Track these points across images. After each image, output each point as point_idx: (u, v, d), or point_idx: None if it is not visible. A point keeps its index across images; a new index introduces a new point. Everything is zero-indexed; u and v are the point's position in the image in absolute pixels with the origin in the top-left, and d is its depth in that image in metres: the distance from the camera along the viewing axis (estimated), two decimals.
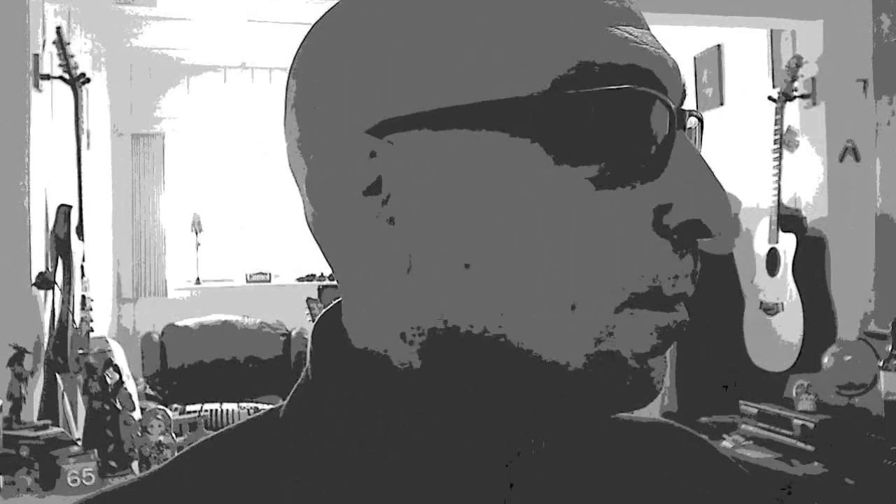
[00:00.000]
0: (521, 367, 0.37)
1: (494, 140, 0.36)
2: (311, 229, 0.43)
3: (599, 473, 0.45)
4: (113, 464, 2.17)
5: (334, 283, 0.92)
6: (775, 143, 3.03)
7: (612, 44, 0.37)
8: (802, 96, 3.05)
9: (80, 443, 2.22)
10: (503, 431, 0.40)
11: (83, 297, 2.89)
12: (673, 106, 0.38)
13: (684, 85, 0.41)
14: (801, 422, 2.46)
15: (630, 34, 0.39)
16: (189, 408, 3.88)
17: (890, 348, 2.34)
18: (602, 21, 0.38)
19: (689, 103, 4.07)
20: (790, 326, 2.95)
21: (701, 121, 0.43)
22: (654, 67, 0.38)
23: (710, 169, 0.37)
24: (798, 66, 3.00)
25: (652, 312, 0.37)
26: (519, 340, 0.37)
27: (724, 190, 0.37)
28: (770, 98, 3.07)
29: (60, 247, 2.79)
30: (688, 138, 0.39)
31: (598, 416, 0.48)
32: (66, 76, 2.80)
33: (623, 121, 0.37)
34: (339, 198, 0.39)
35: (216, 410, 4.28)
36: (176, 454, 0.45)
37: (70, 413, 2.59)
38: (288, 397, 0.45)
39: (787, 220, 3.03)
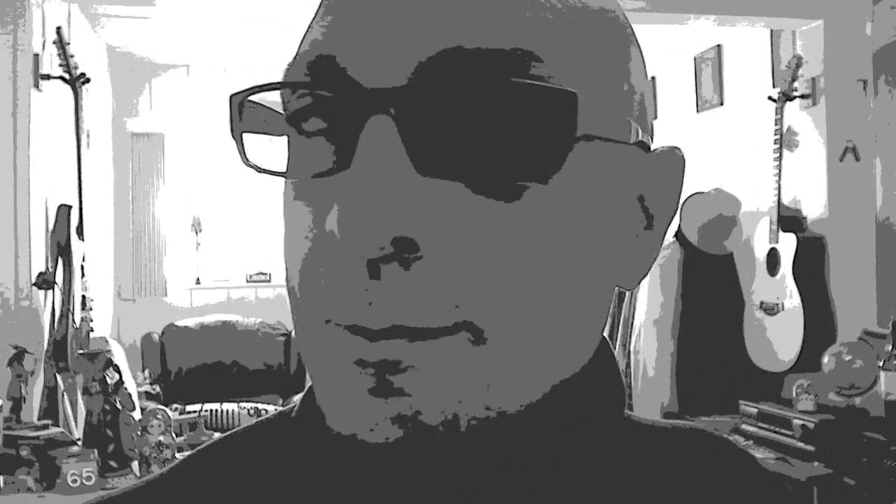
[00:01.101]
0: None
1: None
2: None
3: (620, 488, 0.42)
4: (113, 464, 2.17)
5: None
6: (775, 143, 3.03)
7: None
8: (802, 96, 3.05)
9: (80, 443, 2.22)
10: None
11: (83, 297, 2.89)
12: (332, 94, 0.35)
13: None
14: (801, 422, 2.46)
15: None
16: (189, 408, 3.88)
17: (890, 348, 2.34)
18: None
19: (689, 103, 4.07)
20: (790, 326, 2.95)
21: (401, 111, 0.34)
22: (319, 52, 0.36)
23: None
24: (798, 66, 3.00)
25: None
26: None
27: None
28: (770, 98, 3.07)
29: (60, 247, 2.79)
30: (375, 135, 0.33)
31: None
32: (66, 76, 2.80)
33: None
34: None
35: (216, 410, 4.28)
36: (176, 454, 0.44)
37: (70, 413, 2.59)
38: (301, 397, 0.44)
39: (787, 220, 3.03)
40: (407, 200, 0.32)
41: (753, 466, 0.48)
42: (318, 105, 0.36)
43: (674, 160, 0.41)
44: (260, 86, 0.37)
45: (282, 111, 0.38)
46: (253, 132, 0.39)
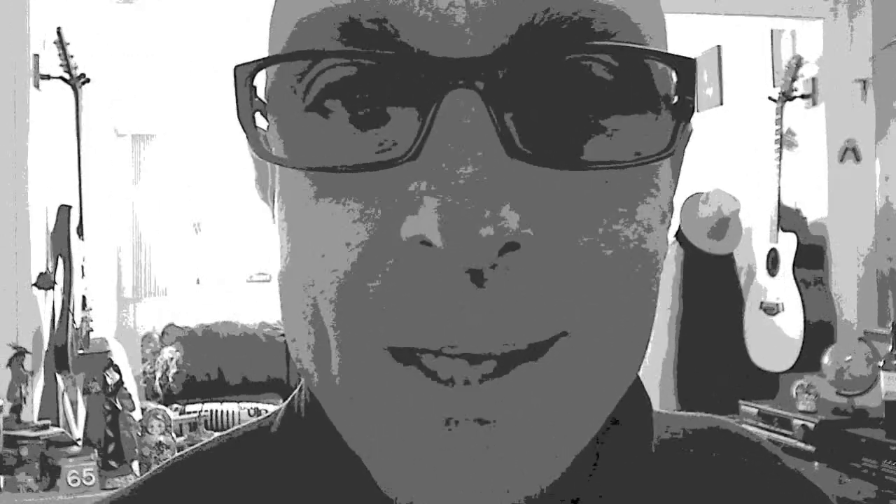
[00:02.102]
0: None
1: None
2: None
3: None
4: (113, 464, 2.17)
5: None
6: (775, 143, 3.03)
7: None
8: (802, 96, 3.05)
9: (80, 443, 2.22)
10: None
11: (83, 297, 2.89)
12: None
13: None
14: (801, 422, 2.46)
15: None
16: (189, 408, 3.88)
17: (890, 348, 2.34)
18: None
19: None
20: (790, 326, 2.95)
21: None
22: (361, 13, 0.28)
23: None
24: (798, 66, 3.00)
25: None
26: None
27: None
28: (770, 98, 3.07)
29: (60, 247, 2.79)
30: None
31: None
32: (67, 76, 2.80)
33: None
34: None
35: (216, 410, 4.28)
36: (176, 454, 0.42)
37: (70, 413, 2.59)
38: (282, 411, 0.40)
39: (787, 220, 3.03)
40: (516, 197, 0.27)
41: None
42: (355, 79, 0.29)
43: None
44: (288, 54, 0.29)
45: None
46: (267, 114, 0.32)
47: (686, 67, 0.29)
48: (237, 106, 0.30)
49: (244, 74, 0.29)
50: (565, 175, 0.28)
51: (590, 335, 0.29)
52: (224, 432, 0.41)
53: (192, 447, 0.41)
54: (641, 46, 0.29)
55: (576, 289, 0.29)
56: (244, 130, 0.30)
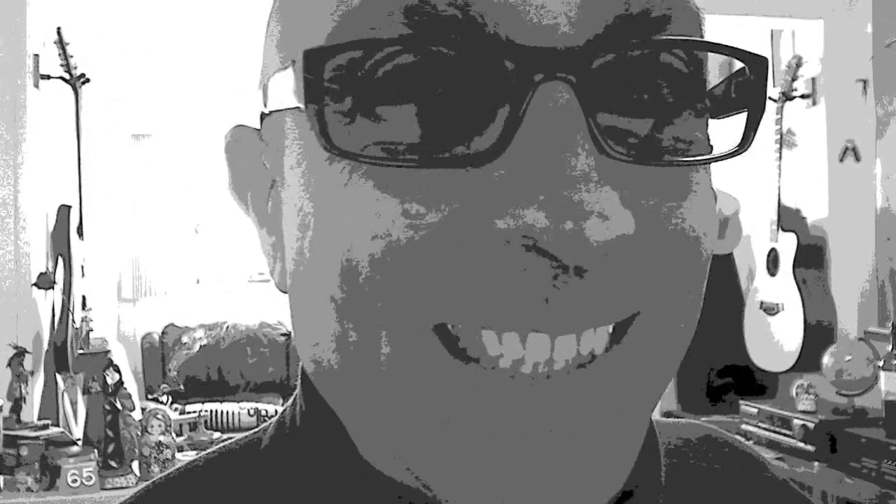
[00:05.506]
0: None
1: None
2: None
3: None
4: (113, 464, 2.17)
5: None
6: (775, 143, 3.03)
7: None
8: (802, 96, 3.05)
9: (80, 443, 2.22)
10: None
11: (83, 297, 2.89)
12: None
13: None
14: (801, 422, 2.46)
15: None
16: (189, 408, 3.88)
17: (890, 348, 2.34)
18: None
19: None
20: (790, 326, 2.95)
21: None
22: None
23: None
24: (798, 66, 3.00)
25: None
26: None
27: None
28: (770, 98, 3.07)
29: (60, 247, 2.79)
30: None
31: None
32: (66, 76, 2.80)
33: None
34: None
35: (216, 410, 4.28)
36: (176, 454, 0.41)
37: (70, 413, 2.59)
38: (272, 427, 0.39)
39: (787, 220, 3.03)
40: (619, 190, 0.27)
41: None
42: (426, 67, 0.27)
43: None
44: (362, 41, 0.28)
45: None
46: (339, 104, 0.28)
47: (761, 65, 0.31)
48: (305, 95, 0.28)
49: (317, 60, 0.28)
50: (650, 167, 0.29)
51: (663, 317, 0.30)
52: (211, 449, 0.40)
53: (176, 467, 0.39)
54: (730, 45, 0.30)
55: (656, 272, 0.29)
56: (317, 121, 0.28)
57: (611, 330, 0.29)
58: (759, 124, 0.31)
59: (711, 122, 0.33)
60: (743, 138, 0.30)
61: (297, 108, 0.30)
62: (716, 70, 0.33)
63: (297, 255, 0.32)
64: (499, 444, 0.28)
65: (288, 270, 0.34)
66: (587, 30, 0.28)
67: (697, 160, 0.30)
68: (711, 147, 0.31)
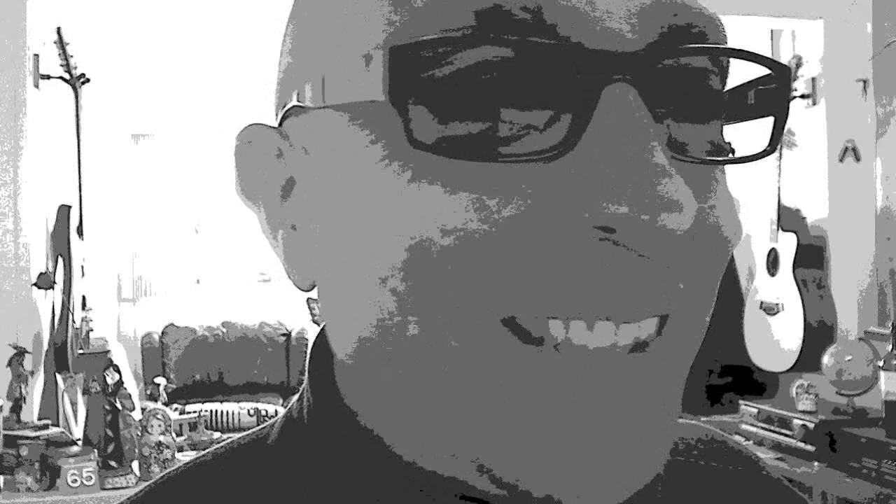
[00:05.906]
0: None
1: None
2: None
3: None
4: (113, 464, 2.17)
5: None
6: None
7: None
8: (802, 96, 3.05)
9: (80, 443, 2.22)
10: None
11: (83, 297, 2.89)
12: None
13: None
14: (801, 422, 2.46)
15: None
16: (189, 408, 3.88)
17: (890, 348, 2.34)
18: None
19: None
20: (790, 326, 2.95)
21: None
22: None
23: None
24: (798, 66, 3.00)
25: None
26: None
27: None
28: None
29: (60, 247, 2.79)
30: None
31: None
32: (66, 76, 2.80)
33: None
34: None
35: (216, 410, 4.28)
36: (176, 454, 0.41)
37: (70, 413, 2.59)
38: (279, 422, 0.39)
39: (787, 219, 3.03)
40: (689, 187, 0.28)
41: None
42: (503, 65, 0.28)
43: None
44: (450, 38, 0.28)
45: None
46: (421, 100, 0.29)
47: (786, 74, 0.33)
48: (391, 90, 0.29)
49: (402, 56, 0.28)
50: (696, 165, 0.31)
51: (693, 311, 0.32)
52: (218, 445, 0.40)
53: (184, 463, 0.39)
54: (765, 55, 0.33)
55: (697, 267, 0.31)
56: (403, 115, 0.29)
57: (667, 314, 0.31)
58: (784, 128, 0.33)
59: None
60: (772, 140, 0.33)
61: (334, 106, 0.31)
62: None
63: (340, 249, 0.32)
64: (576, 423, 0.29)
65: (322, 266, 0.34)
66: (645, 36, 0.30)
67: (739, 159, 0.33)
68: (733, 150, 0.33)
